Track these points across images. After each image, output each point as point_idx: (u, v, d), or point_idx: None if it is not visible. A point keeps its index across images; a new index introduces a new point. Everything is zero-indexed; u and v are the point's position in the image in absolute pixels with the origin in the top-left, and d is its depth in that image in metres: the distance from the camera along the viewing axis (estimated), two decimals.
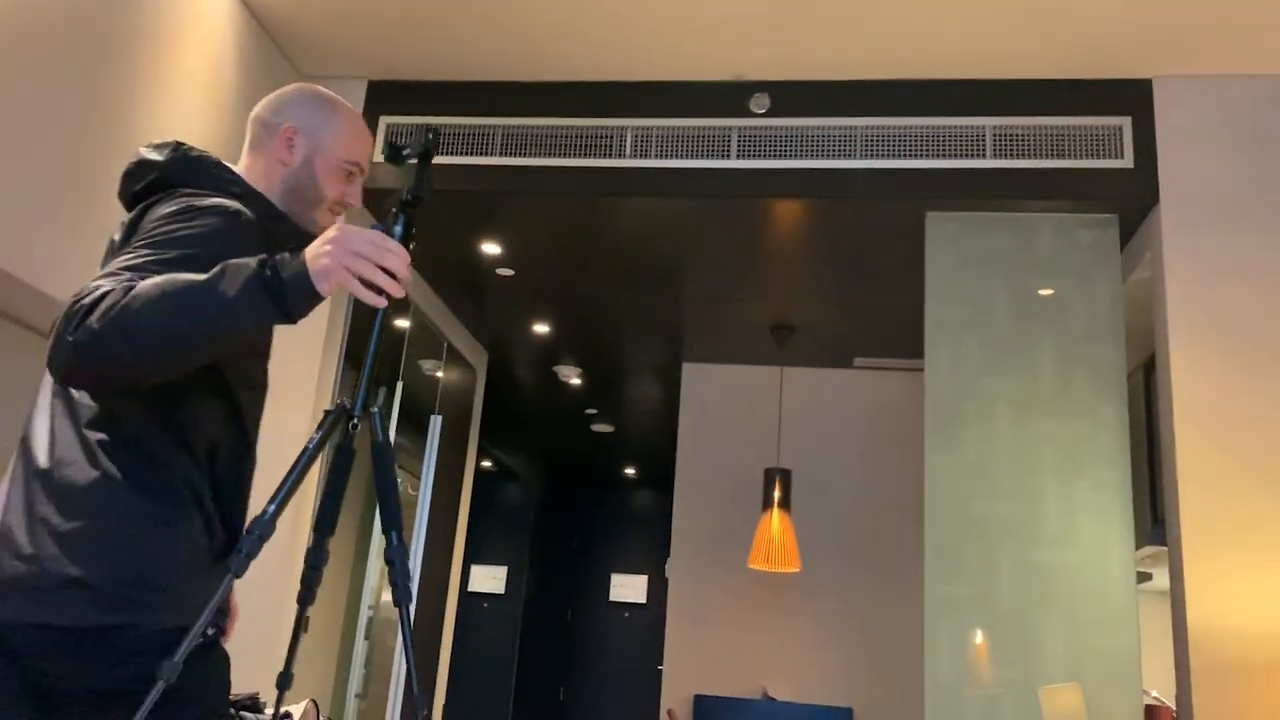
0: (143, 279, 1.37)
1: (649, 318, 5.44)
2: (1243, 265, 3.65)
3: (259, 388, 1.69)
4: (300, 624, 1.54)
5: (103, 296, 1.34)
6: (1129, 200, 3.80)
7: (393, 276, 1.44)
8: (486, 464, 8.55)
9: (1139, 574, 4.99)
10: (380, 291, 1.44)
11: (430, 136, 1.68)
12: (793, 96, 4.00)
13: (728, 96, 4.03)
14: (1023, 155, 3.83)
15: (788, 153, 3.95)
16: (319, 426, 1.48)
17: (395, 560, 1.57)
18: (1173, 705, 4.62)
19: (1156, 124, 3.80)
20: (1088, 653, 3.51)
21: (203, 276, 1.36)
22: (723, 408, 5.97)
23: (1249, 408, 3.53)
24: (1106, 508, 3.65)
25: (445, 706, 5.70)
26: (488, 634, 8.50)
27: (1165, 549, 3.87)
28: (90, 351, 1.32)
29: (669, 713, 5.35)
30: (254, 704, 3.13)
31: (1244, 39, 3.63)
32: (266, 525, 1.50)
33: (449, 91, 4.20)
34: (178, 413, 1.52)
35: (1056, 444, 3.73)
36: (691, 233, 4.36)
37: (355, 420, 1.49)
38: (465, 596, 8.72)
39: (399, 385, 4.67)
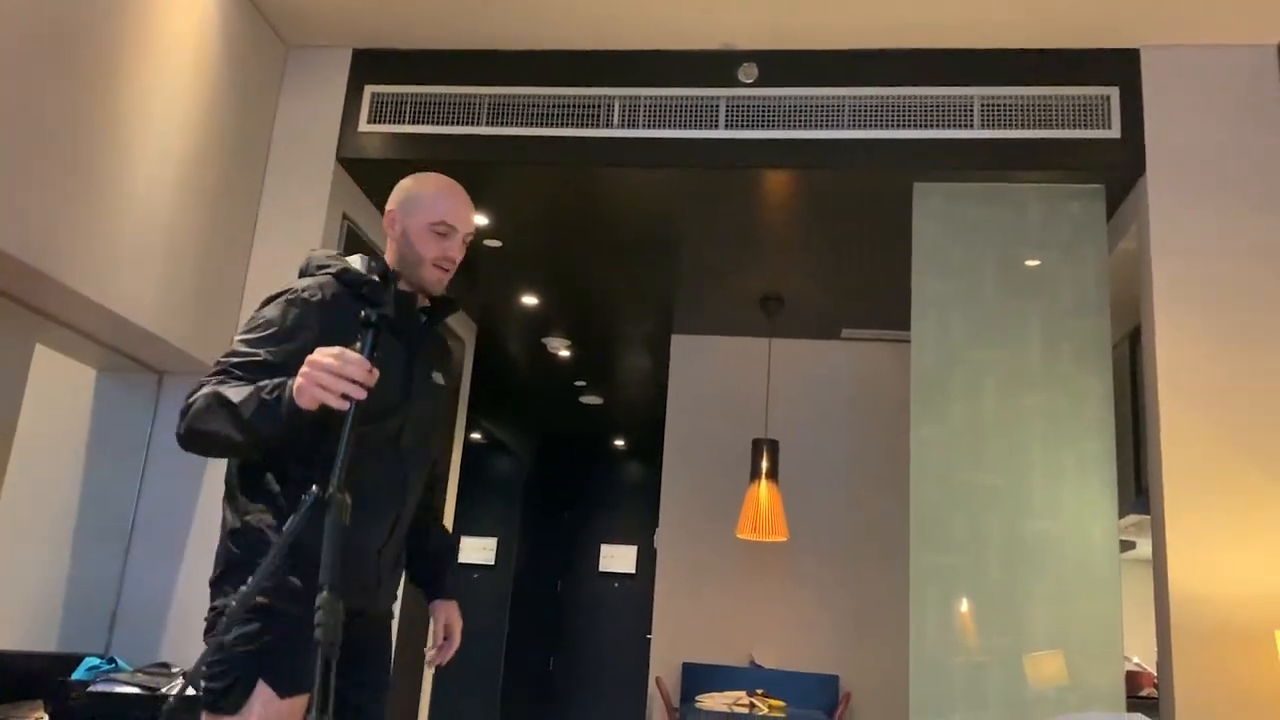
0: (224, 376, 1.92)
1: (638, 289, 5.43)
2: (1229, 236, 3.67)
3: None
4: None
5: (190, 405, 1.89)
6: (1116, 170, 3.80)
7: (357, 382, 1.74)
8: (476, 436, 8.57)
9: (1122, 543, 5.04)
10: (347, 396, 1.74)
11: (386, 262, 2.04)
12: (781, 66, 3.98)
13: (716, 66, 4.01)
14: (1010, 125, 3.83)
15: (776, 123, 3.94)
16: (296, 511, 1.62)
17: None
18: (1153, 671, 4.68)
19: (1144, 94, 3.80)
20: (1071, 620, 3.55)
21: (238, 397, 1.84)
22: (711, 379, 5.99)
23: (1233, 378, 3.55)
24: (1091, 478, 3.68)
25: (434, 677, 5.73)
26: (478, 605, 8.54)
27: (1148, 518, 3.91)
28: (184, 446, 1.93)
29: (657, 681, 5.39)
30: None
31: (1232, 8, 3.62)
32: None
33: (434, 60, 4.17)
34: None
35: (1042, 415, 3.75)
36: (680, 203, 4.35)
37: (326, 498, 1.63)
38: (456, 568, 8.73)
39: None
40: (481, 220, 4.63)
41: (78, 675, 3.07)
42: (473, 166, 4.13)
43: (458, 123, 4.09)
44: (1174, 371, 3.59)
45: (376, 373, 1.76)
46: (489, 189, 4.35)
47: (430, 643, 2.26)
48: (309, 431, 1.86)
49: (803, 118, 3.93)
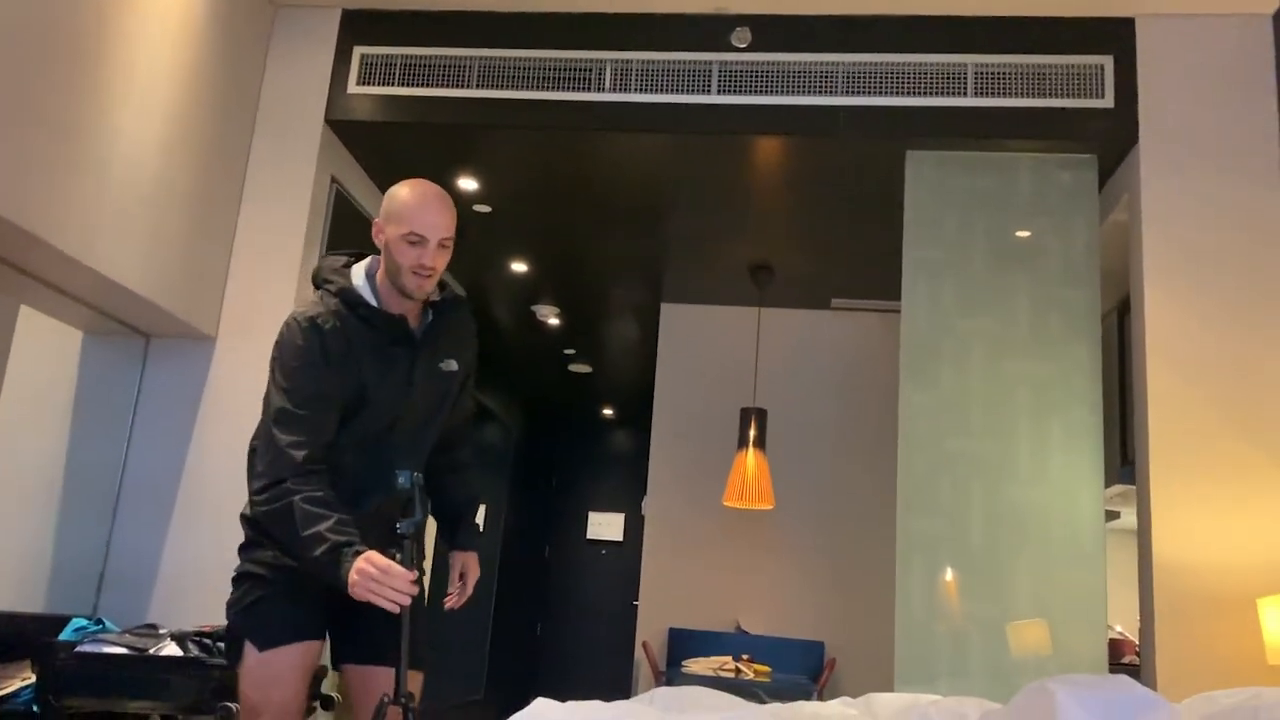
0: (286, 426, 2.15)
1: (628, 257, 5.41)
2: (1220, 207, 3.67)
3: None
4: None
5: (268, 490, 2.12)
6: (1108, 140, 3.79)
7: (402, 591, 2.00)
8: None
9: (1108, 512, 5.07)
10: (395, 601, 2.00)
11: (417, 475, 2.13)
12: (774, 31, 3.95)
13: (709, 30, 3.98)
14: (1003, 94, 3.81)
15: (769, 89, 3.92)
16: None
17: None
18: (1135, 639, 4.73)
19: (1138, 63, 3.79)
20: (1055, 589, 3.58)
21: (306, 529, 2.05)
22: (700, 348, 5.98)
23: (1221, 350, 3.57)
24: (1077, 447, 3.69)
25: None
26: None
27: (1134, 488, 3.93)
28: (256, 518, 2.20)
29: (644, 645, 5.43)
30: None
31: None
32: None
33: (424, 21, 4.12)
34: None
35: (1030, 384, 3.76)
36: (671, 169, 4.33)
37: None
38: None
39: None
40: (470, 185, 4.60)
41: (65, 636, 3.07)
42: (462, 130, 4.09)
43: (448, 85, 4.05)
44: (1162, 342, 3.60)
45: (418, 579, 2.05)
46: (478, 153, 4.32)
47: (449, 589, 2.46)
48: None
49: (796, 84, 3.91)
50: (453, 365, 2.39)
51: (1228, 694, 2.12)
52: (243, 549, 2.30)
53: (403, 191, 2.28)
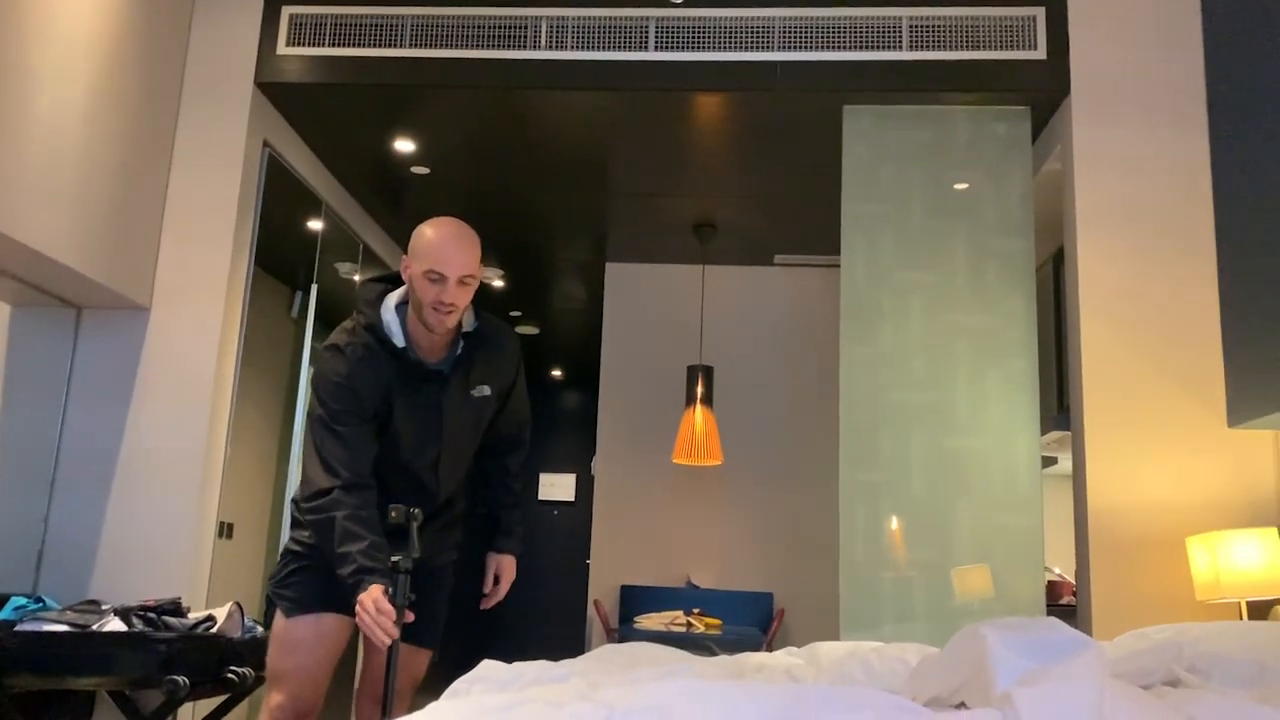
0: (331, 434, 2.35)
1: (571, 217, 5.38)
2: (1150, 157, 3.73)
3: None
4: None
5: (319, 502, 2.32)
6: (1041, 92, 3.83)
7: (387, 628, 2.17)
8: None
9: (1044, 458, 5.20)
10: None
11: (415, 512, 2.28)
12: None
13: None
14: (938, 47, 3.83)
15: (706, 45, 3.90)
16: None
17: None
18: (1073, 580, 4.87)
19: (1069, 14, 3.82)
20: (995, 534, 3.67)
21: (342, 547, 2.25)
22: (646, 307, 5.99)
23: (1153, 298, 3.65)
24: (1014, 396, 3.77)
25: None
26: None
27: (1069, 434, 4.02)
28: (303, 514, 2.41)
29: (595, 604, 5.48)
30: (176, 608, 3.13)
31: None
32: None
33: None
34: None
35: (968, 335, 3.82)
36: (610, 127, 4.30)
37: None
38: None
39: (314, 289, 4.58)
40: (407, 147, 4.54)
41: (4, 615, 3.02)
42: (397, 90, 4.03)
43: (380, 44, 3.98)
44: (1095, 291, 3.67)
45: (406, 617, 2.22)
46: (413, 114, 4.25)
47: (485, 589, 2.67)
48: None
49: (733, 39, 3.89)
50: (485, 391, 2.52)
51: (1158, 630, 2.20)
52: (291, 528, 2.52)
53: (428, 231, 2.38)
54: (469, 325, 2.50)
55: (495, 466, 2.69)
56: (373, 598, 2.16)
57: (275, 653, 2.40)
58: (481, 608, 2.67)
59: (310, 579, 2.41)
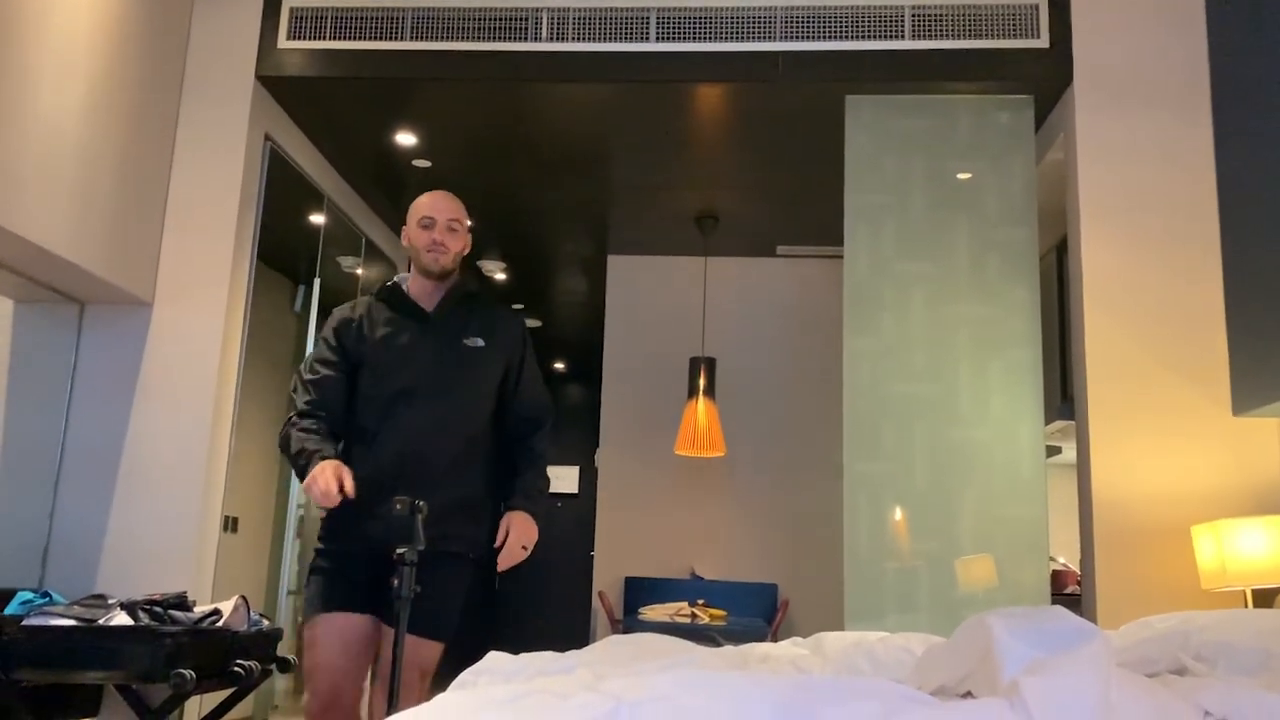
0: (298, 388, 2.68)
1: (573, 209, 5.38)
2: (1154, 146, 3.72)
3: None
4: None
5: (281, 428, 2.65)
6: (1044, 81, 3.82)
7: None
8: None
9: (1049, 448, 5.19)
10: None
11: (420, 504, 2.32)
12: None
13: None
14: (941, 36, 3.82)
15: (707, 35, 3.89)
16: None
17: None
18: (1077, 570, 4.87)
19: (1072, 3, 3.81)
20: (999, 524, 3.67)
21: (293, 449, 2.57)
22: (648, 299, 5.99)
23: (1156, 287, 3.64)
24: (1018, 386, 3.77)
25: None
26: None
27: (1074, 424, 4.02)
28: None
29: (600, 595, 5.49)
30: (182, 602, 3.14)
31: None
32: None
33: None
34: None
35: (971, 325, 3.82)
36: (612, 119, 4.29)
37: None
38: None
39: (316, 283, 4.58)
40: (409, 140, 4.53)
41: (11, 610, 3.02)
42: (397, 84, 4.02)
43: (381, 37, 3.97)
44: (1099, 280, 3.66)
45: (343, 489, 2.42)
46: (415, 107, 4.24)
47: (496, 543, 2.65)
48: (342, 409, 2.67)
49: (734, 29, 3.88)
50: (479, 342, 2.69)
51: (1163, 619, 2.20)
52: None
53: (419, 196, 2.77)
54: (472, 288, 2.79)
55: (519, 448, 2.75)
56: (320, 469, 2.43)
57: (304, 652, 2.57)
58: (499, 570, 2.62)
59: (325, 580, 2.56)
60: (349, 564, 2.55)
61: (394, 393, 2.61)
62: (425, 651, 2.54)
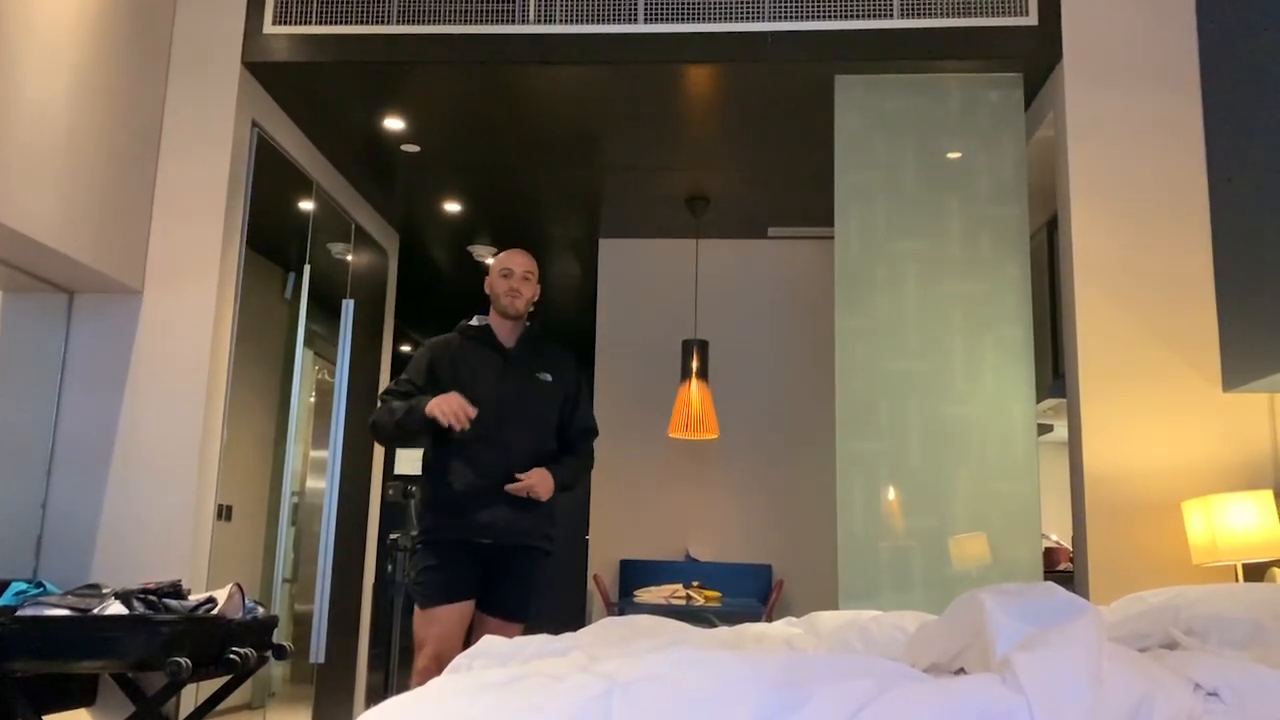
0: (387, 396, 3.31)
1: (563, 192, 5.36)
2: (1144, 122, 3.72)
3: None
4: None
5: (371, 420, 3.32)
6: (1033, 58, 3.81)
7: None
8: (405, 347, 8.47)
9: (1041, 426, 5.21)
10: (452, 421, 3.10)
11: (412, 489, 3.08)
12: None
13: None
14: (929, 14, 3.80)
15: (695, 15, 3.87)
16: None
17: None
18: (1069, 546, 4.90)
19: None
20: (992, 502, 3.68)
21: (398, 415, 3.20)
22: (640, 282, 5.98)
23: (1146, 263, 3.65)
24: (1009, 364, 3.77)
25: (375, 588, 5.77)
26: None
27: (1065, 401, 4.03)
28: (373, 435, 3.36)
29: (595, 578, 5.50)
30: (177, 591, 3.14)
31: None
32: None
33: None
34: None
35: (962, 304, 3.82)
36: (600, 101, 4.27)
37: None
38: (393, 480, 8.73)
39: (307, 270, 4.56)
40: (397, 125, 4.51)
41: (4, 601, 3.02)
42: (384, 68, 4.00)
43: (367, 21, 3.94)
44: (1089, 257, 3.67)
45: (468, 413, 3.08)
46: (402, 91, 4.22)
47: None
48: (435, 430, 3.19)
49: (723, 10, 3.86)
50: (548, 377, 3.34)
51: (1154, 593, 2.21)
52: (419, 525, 3.22)
53: (501, 254, 3.42)
54: (538, 331, 3.40)
55: (571, 453, 3.39)
56: (441, 398, 3.09)
57: (419, 625, 3.14)
58: (505, 488, 3.19)
59: (442, 575, 3.15)
60: (457, 559, 3.16)
61: (486, 415, 3.16)
62: (508, 634, 3.06)
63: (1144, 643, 1.69)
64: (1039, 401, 4.77)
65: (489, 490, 3.16)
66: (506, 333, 3.35)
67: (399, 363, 6.95)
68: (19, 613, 2.91)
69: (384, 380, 5.83)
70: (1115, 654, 1.17)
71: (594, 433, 3.46)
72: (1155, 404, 3.56)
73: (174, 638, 2.88)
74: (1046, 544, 5.01)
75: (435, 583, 3.15)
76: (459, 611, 3.15)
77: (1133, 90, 3.73)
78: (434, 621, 3.12)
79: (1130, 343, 3.60)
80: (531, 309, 3.39)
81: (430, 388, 3.22)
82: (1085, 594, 3.46)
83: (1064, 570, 4.78)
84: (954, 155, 3.93)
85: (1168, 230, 3.65)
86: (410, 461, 9.00)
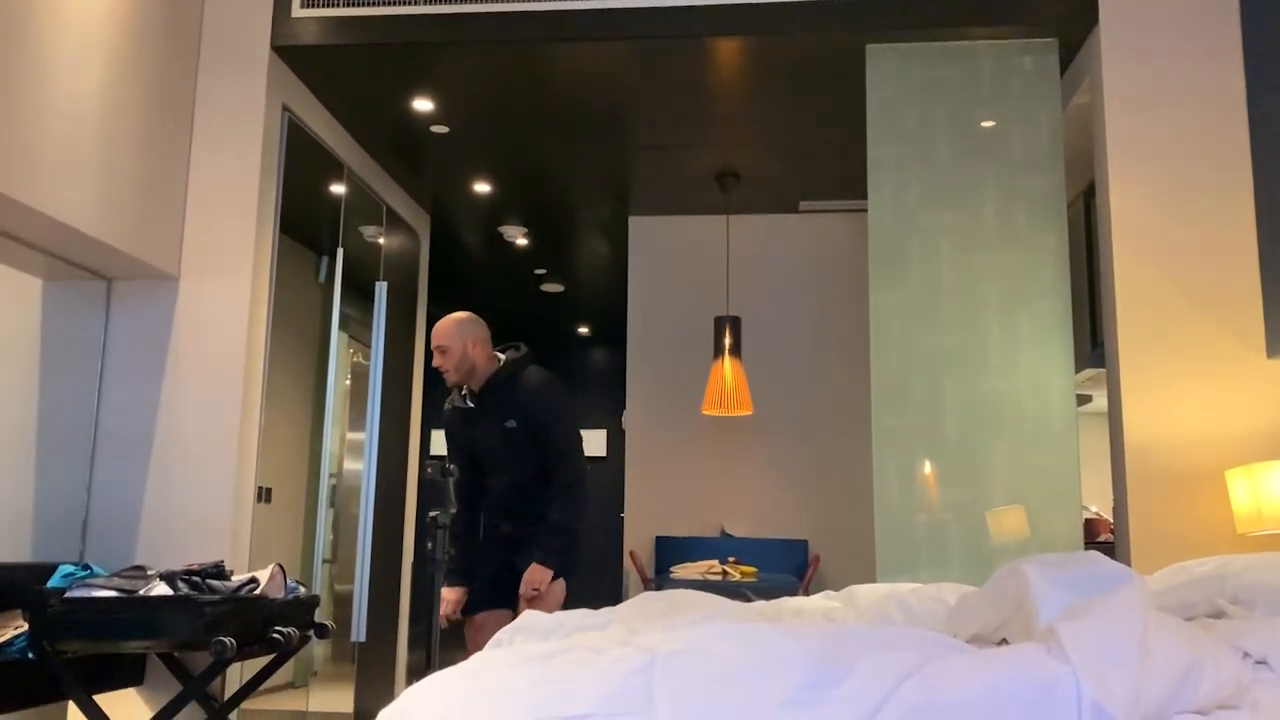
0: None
1: (592, 171, 5.35)
2: (1182, 86, 3.65)
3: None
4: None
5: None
6: (1068, 23, 3.74)
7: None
8: None
9: (1080, 397, 5.15)
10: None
11: (451, 466, 2.88)
12: None
13: None
14: None
15: None
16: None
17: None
18: (1110, 518, 4.85)
19: None
20: (1030, 474, 3.64)
21: (451, 551, 3.38)
22: (671, 259, 5.96)
23: (1187, 230, 3.58)
24: (1047, 335, 3.73)
25: (414, 567, 5.83)
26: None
27: (1104, 371, 3.98)
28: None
29: (631, 555, 5.52)
30: (219, 572, 3.18)
31: None
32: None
33: None
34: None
35: (998, 275, 3.78)
36: (630, 77, 4.25)
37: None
38: (431, 459, 8.79)
39: (340, 253, 4.59)
40: (426, 106, 4.51)
41: (53, 583, 3.08)
42: (413, 49, 4.00)
43: (395, 3, 3.94)
44: (1127, 224, 3.61)
45: (445, 613, 3.56)
46: (431, 72, 4.22)
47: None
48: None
49: None
50: (512, 424, 3.49)
51: (1199, 563, 2.18)
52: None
53: None
54: (501, 376, 3.54)
55: (552, 477, 3.51)
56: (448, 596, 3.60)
57: (471, 632, 3.62)
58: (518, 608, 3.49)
59: (478, 587, 3.64)
60: (486, 573, 3.59)
61: (482, 462, 3.61)
62: (557, 590, 3.46)
63: (1190, 612, 1.67)
64: (1077, 372, 4.71)
65: (497, 517, 3.64)
66: (475, 386, 3.57)
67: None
68: (68, 594, 2.97)
69: (418, 362, 5.86)
70: (1162, 623, 1.15)
71: (571, 454, 3.52)
72: (1197, 372, 3.50)
73: (218, 618, 2.92)
74: (1086, 515, 4.96)
75: (476, 592, 3.63)
76: (500, 618, 3.55)
77: (1172, 54, 3.65)
78: (485, 629, 3.55)
79: (1171, 310, 3.54)
80: (499, 361, 3.56)
81: (454, 450, 3.68)
82: (1127, 565, 3.42)
83: (1104, 541, 4.73)
84: (988, 124, 3.87)
85: (1209, 196, 3.58)
86: None
